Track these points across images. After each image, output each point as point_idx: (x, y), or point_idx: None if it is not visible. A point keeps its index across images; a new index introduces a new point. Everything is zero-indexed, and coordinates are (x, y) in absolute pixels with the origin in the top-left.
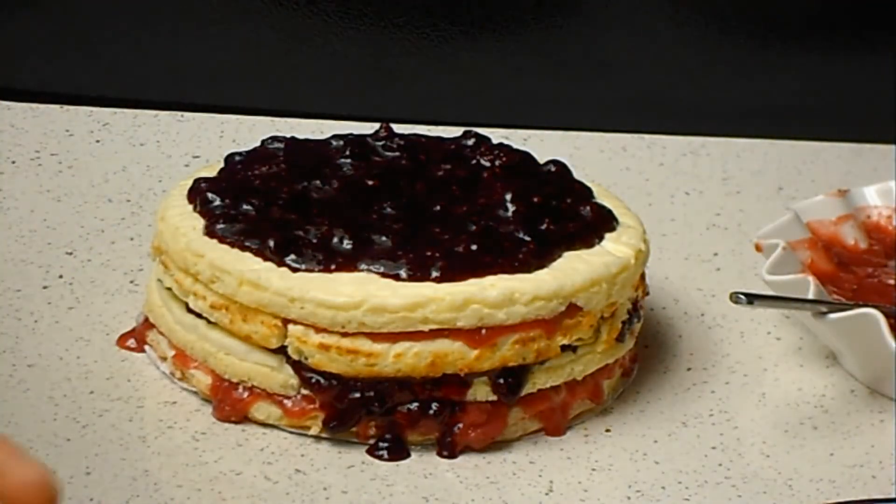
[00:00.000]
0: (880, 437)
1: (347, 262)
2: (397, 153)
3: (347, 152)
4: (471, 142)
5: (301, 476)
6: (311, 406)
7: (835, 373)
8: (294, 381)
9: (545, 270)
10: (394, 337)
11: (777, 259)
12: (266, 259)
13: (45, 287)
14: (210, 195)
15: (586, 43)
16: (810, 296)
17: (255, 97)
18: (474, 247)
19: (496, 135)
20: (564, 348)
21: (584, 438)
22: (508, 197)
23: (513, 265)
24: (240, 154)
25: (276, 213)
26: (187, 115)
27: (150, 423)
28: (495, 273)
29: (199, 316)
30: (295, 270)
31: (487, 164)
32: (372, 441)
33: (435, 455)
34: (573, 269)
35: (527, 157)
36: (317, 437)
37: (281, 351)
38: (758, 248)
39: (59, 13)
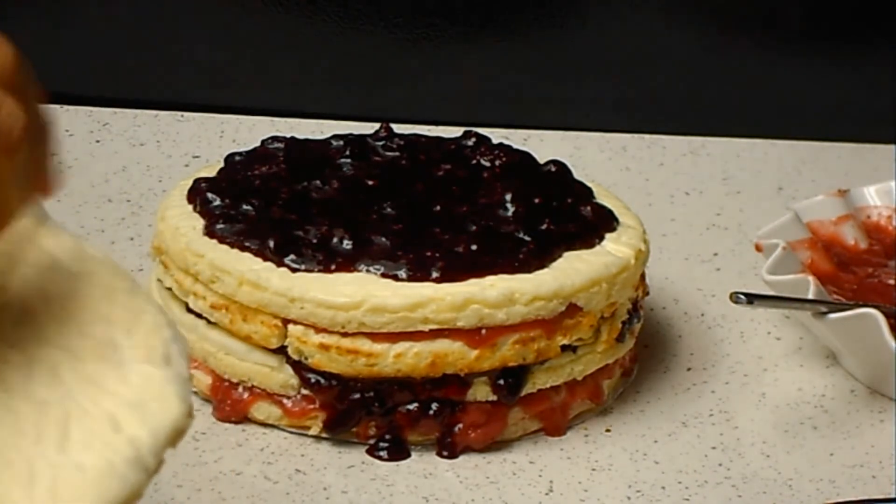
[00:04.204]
0: (880, 437)
1: (347, 263)
2: (397, 153)
3: (347, 152)
4: (471, 142)
5: (301, 476)
6: (311, 406)
7: (835, 373)
8: (294, 381)
9: (545, 270)
10: (394, 337)
11: (777, 259)
12: (266, 259)
13: None
14: (210, 195)
15: (586, 43)
16: (810, 296)
17: (255, 97)
18: (474, 247)
19: (496, 135)
20: (564, 348)
21: (584, 438)
22: (508, 197)
23: (513, 265)
24: (240, 154)
25: (276, 213)
26: (187, 115)
27: None
28: (495, 273)
29: (199, 316)
30: (295, 270)
31: (487, 164)
32: (372, 441)
33: (435, 455)
34: (573, 269)
35: (527, 157)
36: (317, 437)
37: (281, 351)
38: (758, 248)
39: (60, 13)
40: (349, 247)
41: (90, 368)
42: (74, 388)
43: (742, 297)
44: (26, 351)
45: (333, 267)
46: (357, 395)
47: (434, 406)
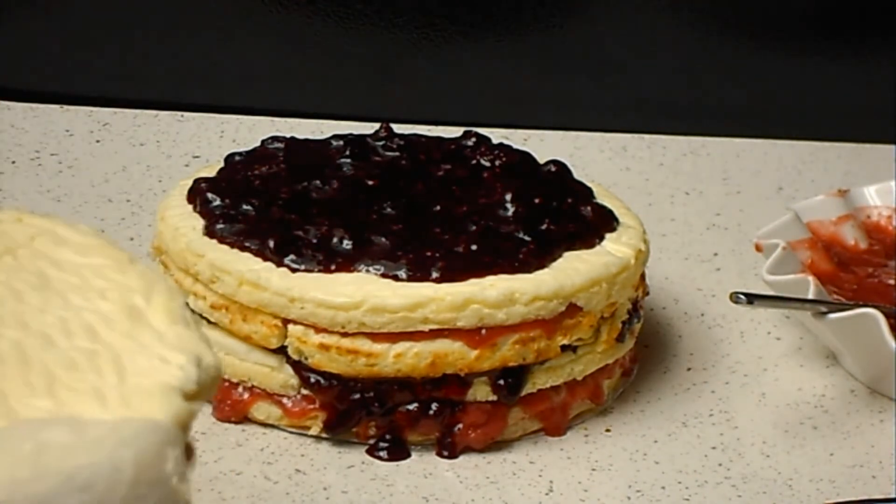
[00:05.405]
0: (880, 437)
1: (347, 263)
2: (397, 153)
3: (347, 152)
4: (471, 142)
5: (301, 476)
6: (311, 406)
7: (835, 373)
8: (294, 381)
9: (545, 270)
10: (394, 337)
11: (777, 259)
12: (266, 259)
13: None
14: (210, 195)
15: (586, 43)
16: (810, 296)
17: (255, 97)
18: (474, 247)
19: (496, 135)
20: (564, 348)
21: (584, 438)
22: (508, 197)
23: (513, 265)
24: (240, 154)
25: (276, 213)
26: (187, 115)
27: None
28: (495, 273)
29: (199, 316)
30: (294, 270)
31: (487, 164)
32: (372, 441)
33: (435, 455)
34: (573, 269)
35: (527, 157)
36: (317, 437)
37: (281, 351)
38: (758, 248)
39: (59, 13)
40: (349, 247)
41: (125, 327)
42: (115, 341)
43: (742, 297)
44: (55, 313)
45: (333, 267)
46: (357, 395)
47: (434, 406)
